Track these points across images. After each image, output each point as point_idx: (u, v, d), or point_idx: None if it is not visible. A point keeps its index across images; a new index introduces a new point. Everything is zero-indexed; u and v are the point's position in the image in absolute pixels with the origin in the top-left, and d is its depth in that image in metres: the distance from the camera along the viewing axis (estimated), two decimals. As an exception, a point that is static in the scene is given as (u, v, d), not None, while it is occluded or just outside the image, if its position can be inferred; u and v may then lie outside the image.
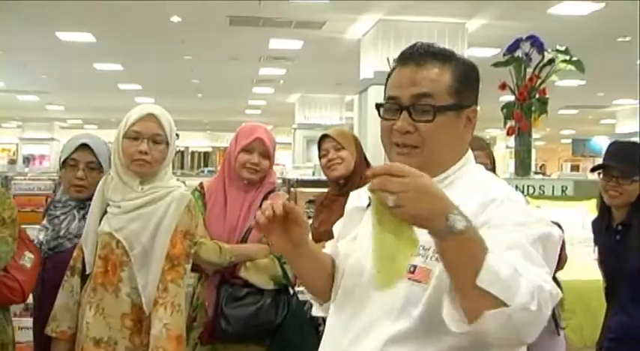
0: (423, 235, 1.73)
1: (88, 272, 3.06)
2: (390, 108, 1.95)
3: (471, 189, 1.88)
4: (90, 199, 3.33)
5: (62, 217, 3.36)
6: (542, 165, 19.11)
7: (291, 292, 3.52)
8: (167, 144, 3.00)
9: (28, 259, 3.14)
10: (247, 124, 3.72)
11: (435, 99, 1.90)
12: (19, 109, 23.86)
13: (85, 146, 3.37)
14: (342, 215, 3.31)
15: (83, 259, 3.09)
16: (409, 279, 1.83)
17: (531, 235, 1.73)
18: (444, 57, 1.97)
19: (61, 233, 3.31)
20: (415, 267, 1.83)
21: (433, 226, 1.56)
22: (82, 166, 3.35)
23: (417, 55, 1.96)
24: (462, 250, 1.55)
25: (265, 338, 3.42)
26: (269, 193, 3.57)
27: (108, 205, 3.04)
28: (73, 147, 3.38)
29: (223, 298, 3.37)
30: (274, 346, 3.43)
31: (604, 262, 3.56)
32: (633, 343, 3.41)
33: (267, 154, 3.51)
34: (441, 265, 1.66)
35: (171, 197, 2.97)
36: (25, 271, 3.12)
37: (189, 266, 2.99)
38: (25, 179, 8.30)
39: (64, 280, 3.12)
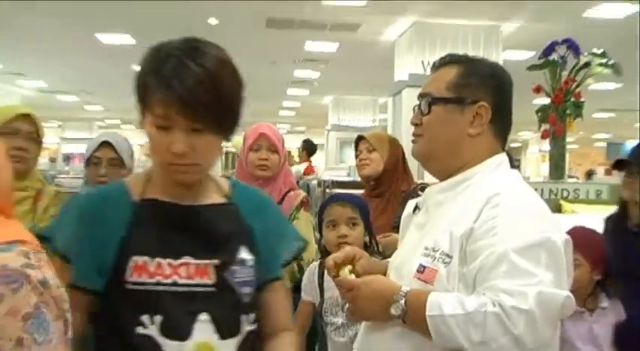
0: (428, 235, 1.97)
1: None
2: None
3: (480, 195, 1.93)
4: None
5: None
6: (570, 168, 18.92)
7: None
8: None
9: None
10: (252, 125, 3.72)
11: (433, 95, 2.06)
12: (59, 109, 24.14)
13: (107, 144, 3.40)
14: (376, 216, 3.36)
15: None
16: (418, 279, 1.92)
17: (523, 243, 1.79)
18: (456, 60, 2.13)
19: None
20: (424, 267, 1.92)
21: (380, 320, 1.93)
22: (105, 164, 3.40)
23: (436, 64, 2.16)
24: (408, 323, 1.85)
25: None
26: (287, 192, 3.58)
27: None
28: (95, 145, 3.43)
29: None
30: None
31: (613, 262, 3.39)
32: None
33: (275, 149, 3.51)
34: (446, 268, 1.87)
35: None
36: None
37: None
38: (66, 177, 8.39)
39: None
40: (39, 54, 14.01)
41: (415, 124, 2.12)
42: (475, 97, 2.02)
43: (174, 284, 1.65)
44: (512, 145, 29.37)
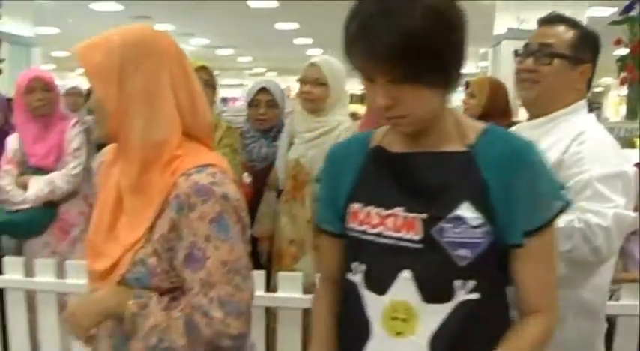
0: None
1: (281, 188, 3.27)
2: (523, 52, 2.08)
3: (568, 133, 1.96)
4: (270, 129, 3.54)
5: (252, 145, 3.53)
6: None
7: None
8: (327, 85, 3.15)
9: (246, 177, 3.37)
10: None
11: (555, 49, 2.01)
12: (217, 60, 24.61)
13: (264, 89, 3.55)
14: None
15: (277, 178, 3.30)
16: None
17: (603, 173, 1.85)
18: (571, 23, 2.07)
19: (253, 157, 3.50)
20: None
21: None
22: (263, 105, 3.53)
23: (551, 19, 2.09)
24: None
25: None
26: None
27: (293, 137, 3.25)
28: (255, 90, 3.57)
29: None
30: None
31: None
32: None
33: None
34: None
35: (339, 130, 3.11)
36: (246, 186, 3.33)
37: None
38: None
39: (264, 194, 3.34)
40: (203, 17, 14.37)
41: (529, 70, 2.05)
42: (585, 59, 2.03)
43: (379, 235, 1.36)
44: (596, 89, 28.14)
